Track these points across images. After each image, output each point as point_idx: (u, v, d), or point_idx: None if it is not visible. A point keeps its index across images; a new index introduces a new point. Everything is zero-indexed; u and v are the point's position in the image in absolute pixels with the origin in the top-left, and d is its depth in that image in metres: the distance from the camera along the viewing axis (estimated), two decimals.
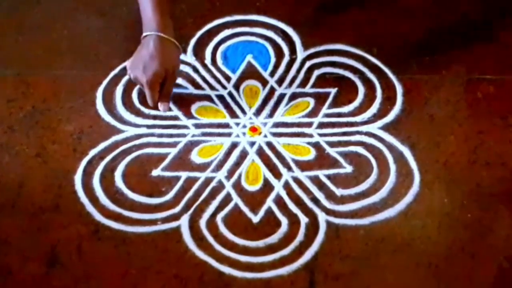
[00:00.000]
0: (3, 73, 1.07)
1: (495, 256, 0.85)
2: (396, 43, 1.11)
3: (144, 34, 0.98)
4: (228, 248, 0.87)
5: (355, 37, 1.11)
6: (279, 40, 1.11)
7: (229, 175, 0.94)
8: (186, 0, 1.16)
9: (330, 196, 0.92)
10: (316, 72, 1.06)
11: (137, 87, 1.04)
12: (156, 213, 0.90)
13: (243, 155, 0.96)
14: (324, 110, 1.01)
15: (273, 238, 0.87)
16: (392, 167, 0.94)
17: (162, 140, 0.98)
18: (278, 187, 0.92)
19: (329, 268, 0.85)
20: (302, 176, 0.94)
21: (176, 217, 0.90)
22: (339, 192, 0.92)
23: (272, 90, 1.04)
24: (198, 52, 1.10)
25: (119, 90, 1.04)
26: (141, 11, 0.99)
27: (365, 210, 0.90)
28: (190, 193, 0.92)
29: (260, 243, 0.87)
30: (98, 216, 0.89)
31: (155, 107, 1.00)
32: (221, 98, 1.03)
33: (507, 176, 0.93)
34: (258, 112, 1.02)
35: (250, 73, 1.07)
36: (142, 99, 1.01)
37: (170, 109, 1.01)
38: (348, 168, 0.94)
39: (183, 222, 0.89)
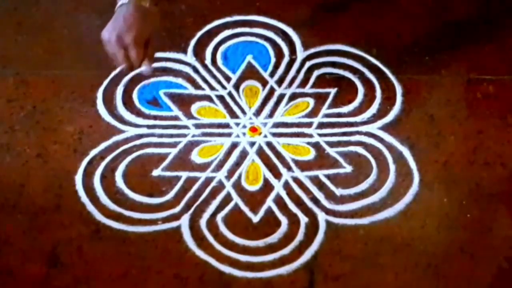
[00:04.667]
0: (3, 73, 1.07)
1: (494, 256, 0.86)
2: (396, 43, 1.11)
3: (119, 3, 0.91)
4: (228, 248, 0.87)
5: (355, 37, 1.11)
6: (279, 40, 1.11)
7: (229, 175, 0.94)
8: (186, 0, 1.16)
9: (330, 196, 0.92)
10: (316, 72, 1.06)
11: (138, 87, 1.04)
12: (157, 213, 0.90)
13: (243, 155, 0.96)
14: (324, 110, 1.01)
15: (273, 238, 0.88)
16: (392, 167, 0.95)
17: (163, 140, 0.98)
18: (278, 187, 0.93)
19: (329, 268, 0.85)
20: (302, 176, 0.94)
21: (176, 217, 0.90)
22: (338, 192, 0.92)
23: (272, 90, 1.04)
24: (198, 52, 1.10)
25: (119, 90, 1.04)
26: None
27: (365, 210, 0.90)
28: (190, 193, 0.92)
29: (260, 242, 0.87)
30: (98, 216, 0.90)
31: (138, 66, 0.91)
32: (221, 98, 1.03)
33: (507, 176, 0.93)
34: (258, 112, 1.02)
35: (250, 73, 1.07)
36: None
37: (152, 71, 0.93)
38: (347, 168, 0.95)
39: (184, 222, 0.89)
